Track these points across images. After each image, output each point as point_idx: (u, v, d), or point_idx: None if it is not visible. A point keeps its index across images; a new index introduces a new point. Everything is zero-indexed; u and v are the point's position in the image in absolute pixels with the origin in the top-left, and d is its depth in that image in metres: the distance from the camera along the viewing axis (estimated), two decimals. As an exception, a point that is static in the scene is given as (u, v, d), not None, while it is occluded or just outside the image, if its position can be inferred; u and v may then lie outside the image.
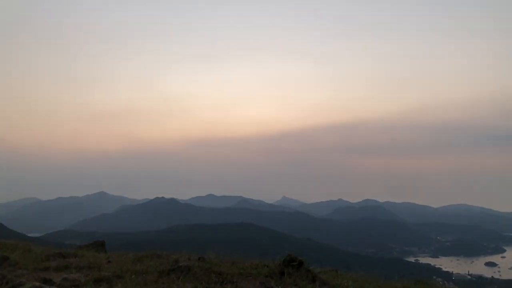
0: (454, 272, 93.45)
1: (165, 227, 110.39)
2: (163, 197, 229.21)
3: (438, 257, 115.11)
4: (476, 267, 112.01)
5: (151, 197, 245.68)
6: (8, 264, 3.40)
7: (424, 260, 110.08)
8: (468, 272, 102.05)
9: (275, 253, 3.90)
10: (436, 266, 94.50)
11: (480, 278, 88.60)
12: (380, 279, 3.99)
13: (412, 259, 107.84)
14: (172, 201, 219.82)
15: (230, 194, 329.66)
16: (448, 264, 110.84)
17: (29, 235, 47.88)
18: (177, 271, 3.00)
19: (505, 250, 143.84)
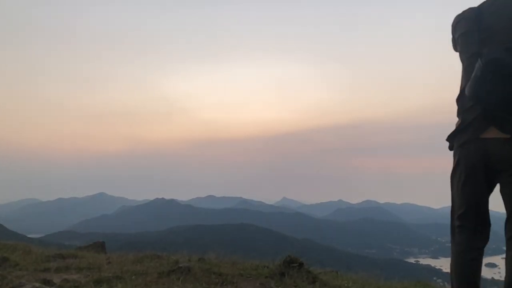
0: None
1: (165, 228, 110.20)
2: (163, 198, 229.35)
3: (438, 258, 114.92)
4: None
5: (151, 198, 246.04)
6: (8, 265, 3.39)
7: (424, 261, 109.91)
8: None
9: (275, 254, 3.88)
10: (437, 267, 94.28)
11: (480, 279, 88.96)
12: (380, 280, 3.97)
13: (412, 260, 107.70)
14: (172, 202, 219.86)
15: (230, 195, 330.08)
16: (448, 265, 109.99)
17: (29, 236, 47.77)
18: (177, 272, 3.00)
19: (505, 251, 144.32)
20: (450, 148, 2.01)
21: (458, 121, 1.96)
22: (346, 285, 3.26)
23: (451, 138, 1.98)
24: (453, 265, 2.02)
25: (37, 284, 2.51)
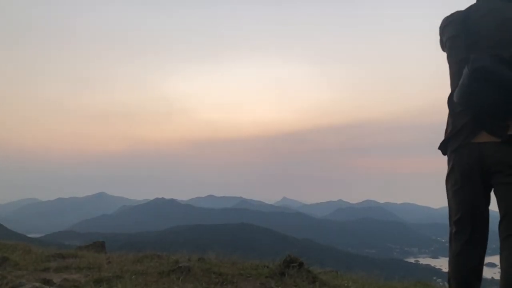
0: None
1: (165, 227, 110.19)
2: (163, 198, 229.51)
3: (438, 258, 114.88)
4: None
5: (151, 197, 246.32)
6: (8, 265, 3.39)
7: (424, 261, 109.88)
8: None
9: (275, 254, 3.88)
10: (436, 267, 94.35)
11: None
12: (380, 280, 3.97)
13: (412, 260, 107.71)
14: (172, 202, 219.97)
15: (230, 195, 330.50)
16: (448, 264, 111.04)
17: (29, 235, 47.76)
18: (177, 272, 2.99)
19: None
20: (444, 153, 2.01)
21: (448, 128, 1.95)
22: (346, 285, 3.26)
23: (443, 145, 1.97)
24: (451, 272, 1.99)
25: (37, 284, 2.51)
